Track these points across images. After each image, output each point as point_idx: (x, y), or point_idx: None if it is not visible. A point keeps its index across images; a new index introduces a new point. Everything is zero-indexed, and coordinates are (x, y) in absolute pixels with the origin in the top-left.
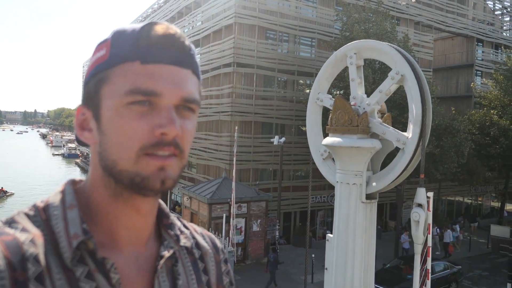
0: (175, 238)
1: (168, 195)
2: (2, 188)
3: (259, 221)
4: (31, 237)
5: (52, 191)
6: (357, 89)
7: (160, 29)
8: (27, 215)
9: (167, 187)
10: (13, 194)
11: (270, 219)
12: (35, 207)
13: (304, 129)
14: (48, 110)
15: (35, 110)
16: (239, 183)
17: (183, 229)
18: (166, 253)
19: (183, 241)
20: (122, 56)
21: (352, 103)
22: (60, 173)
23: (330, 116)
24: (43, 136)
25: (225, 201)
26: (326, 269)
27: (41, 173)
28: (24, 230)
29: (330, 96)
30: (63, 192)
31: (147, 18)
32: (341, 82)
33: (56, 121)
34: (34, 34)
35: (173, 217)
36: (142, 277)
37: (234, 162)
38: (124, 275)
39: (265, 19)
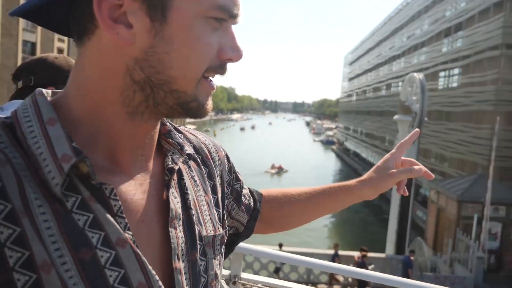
0: (178, 147)
1: (413, 187)
2: (280, 165)
3: None
4: None
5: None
6: None
7: None
8: None
9: (207, 114)
10: (287, 171)
11: None
12: None
13: None
14: (313, 101)
15: (303, 101)
16: (499, 182)
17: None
18: (175, 166)
19: (187, 149)
20: None
21: None
22: (319, 157)
23: None
24: (307, 124)
25: (478, 201)
26: None
27: (305, 157)
28: None
29: None
30: (35, 103)
31: (407, 5)
32: None
33: (319, 110)
34: (301, 34)
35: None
36: (150, 200)
37: (493, 157)
38: (127, 201)
39: None
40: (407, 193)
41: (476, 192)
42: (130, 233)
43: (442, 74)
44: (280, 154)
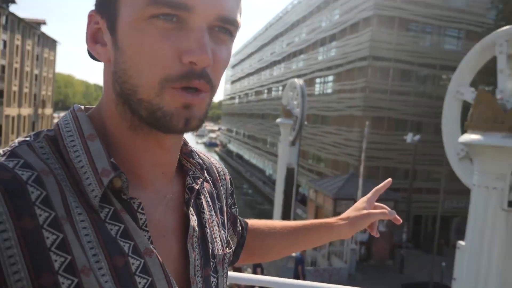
0: (198, 167)
1: (294, 188)
2: None
3: (385, 221)
4: (36, 175)
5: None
6: (506, 81)
7: None
8: (30, 146)
9: (191, 127)
10: None
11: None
12: (41, 136)
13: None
14: None
15: None
16: (367, 180)
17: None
18: (195, 186)
19: (215, 168)
20: None
21: (498, 97)
22: None
23: (470, 111)
24: None
25: (350, 197)
26: (455, 279)
27: None
28: (27, 166)
29: (473, 89)
30: (76, 119)
31: (287, 14)
32: (491, 77)
33: None
34: None
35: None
36: (170, 216)
37: (363, 158)
38: (150, 216)
39: (407, 10)
40: (378, 235)
41: (349, 190)
42: (153, 245)
43: (318, 80)
44: None
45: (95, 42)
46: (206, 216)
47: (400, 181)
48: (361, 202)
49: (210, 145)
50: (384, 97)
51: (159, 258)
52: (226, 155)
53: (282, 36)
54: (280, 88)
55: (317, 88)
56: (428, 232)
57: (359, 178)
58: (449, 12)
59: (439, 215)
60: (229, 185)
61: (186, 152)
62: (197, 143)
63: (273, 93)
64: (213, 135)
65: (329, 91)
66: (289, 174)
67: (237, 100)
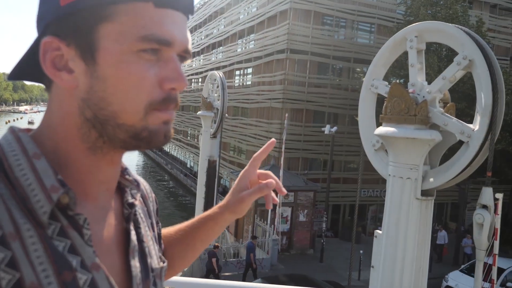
0: (135, 183)
1: (216, 179)
2: None
3: (306, 211)
4: None
5: None
6: (416, 75)
7: None
8: None
9: (168, 139)
10: None
11: (318, 210)
12: None
13: (358, 118)
14: None
15: None
16: (287, 171)
17: None
18: (135, 201)
19: (143, 186)
20: None
21: (410, 90)
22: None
23: (385, 104)
24: None
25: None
26: (373, 267)
27: None
28: None
29: (386, 83)
30: (18, 139)
31: (204, 5)
32: (401, 70)
33: None
34: None
35: None
36: (112, 231)
37: (283, 150)
38: (94, 231)
39: (321, 4)
40: (277, 201)
41: None
42: (98, 260)
43: (237, 72)
44: None
45: (58, 69)
46: (142, 231)
47: (319, 172)
48: (242, 178)
49: None
50: (302, 90)
51: (106, 272)
52: None
53: (201, 28)
54: (200, 80)
55: (237, 80)
56: (346, 221)
57: (280, 169)
58: (362, 6)
59: (357, 204)
60: (155, 203)
61: (122, 169)
62: None
63: (193, 85)
64: None
65: (249, 83)
66: (211, 167)
67: None
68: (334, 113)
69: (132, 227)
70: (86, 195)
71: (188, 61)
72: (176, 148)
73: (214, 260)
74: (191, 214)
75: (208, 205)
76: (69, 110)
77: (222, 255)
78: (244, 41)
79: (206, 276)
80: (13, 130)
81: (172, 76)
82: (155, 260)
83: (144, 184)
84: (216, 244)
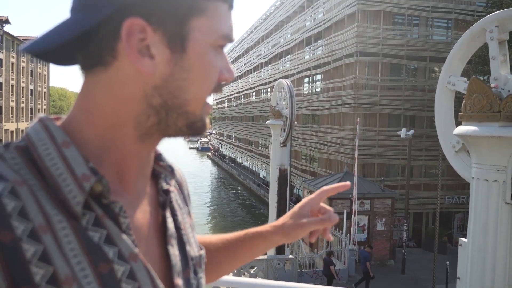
0: (169, 169)
1: (288, 189)
2: None
3: (384, 220)
4: (10, 187)
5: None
6: (499, 68)
7: None
8: (1, 157)
9: (207, 129)
10: None
11: (397, 219)
12: (11, 147)
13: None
14: None
15: None
16: (362, 178)
17: None
18: (170, 187)
19: (178, 172)
20: None
21: (492, 85)
22: (196, 163)
23: (464, 101)
24: None
25: (346, 197)
26: (459, 278)
27: (182, 164)
28: None
29: (464, 79)
30: (46, 128)
31: (270, 15)
32: (485, 66)
33: None
34: None
35: None
36: (148, 218)
37: (356, 156)
38: (131, 218)
39: (391, 3)
40: (331, 239)
41: None
42: (137, 250)
43: (306, 80)
44: None
45: (142, 54)
46: (179, 218)
47: (397, 178)
48: (305, 205)
49: (202, 150)
50: (375, 93)
51: (145, 262)
52: (219, 159)
53: (268, 38)
54: (269, 89)
55: (306, 88)
56: (429, 230)
57: (354, 176)
58: (436, 2)
59: (438, 211)
60: (188, 191)
61: (156, 155)
62: (190, 148)
63: (262, 95)
64: (205, 139)
65: (318, 90)
66: (282, 175)
67: (226, 104)
68: (410, 116)
69: (168, 214)
70: (123, 182)
71: None
72: (248, 158)
73: (332, 267)
74: (264, 222)
75: (280, 214)
76: (129, 97)
77: (297, 265)
78: (311, 47)
79: (329, 284)
80: (41, 119)
81: (227, 68)
82: (194, 248)
83: (178, 169)
84: (331, 250)
